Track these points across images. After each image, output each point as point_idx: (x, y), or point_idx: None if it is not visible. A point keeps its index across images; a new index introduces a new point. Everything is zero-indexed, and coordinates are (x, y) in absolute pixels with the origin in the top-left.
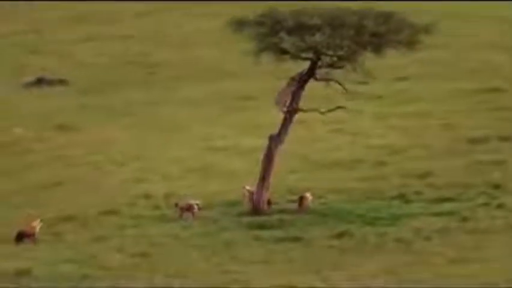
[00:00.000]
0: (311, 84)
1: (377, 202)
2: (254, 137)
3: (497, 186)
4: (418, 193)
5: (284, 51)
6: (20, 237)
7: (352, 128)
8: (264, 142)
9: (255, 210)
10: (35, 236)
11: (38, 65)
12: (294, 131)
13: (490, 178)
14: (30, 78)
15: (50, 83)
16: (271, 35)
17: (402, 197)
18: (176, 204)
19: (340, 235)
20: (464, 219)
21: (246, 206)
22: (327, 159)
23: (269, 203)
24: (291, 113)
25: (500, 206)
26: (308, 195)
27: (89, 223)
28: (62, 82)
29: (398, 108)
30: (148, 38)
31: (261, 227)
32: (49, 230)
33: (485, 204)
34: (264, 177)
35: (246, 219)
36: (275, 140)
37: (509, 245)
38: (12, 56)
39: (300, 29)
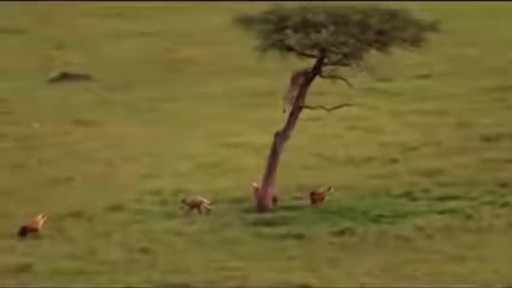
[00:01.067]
0: (325, 81)
1: (383, 199)
2: (269, 134)
3: (504, 185)
4: (425, 191)
5: (290, 49)
6: (24, 232)
7: (368, 125)
8: None
9: (260, 207)
10: (38, 231)
11: (63, 60)
12: (309, 127)
13: (498, 176)
14: (55, 73)
15: (74, 78)
16: (277, 32)
17: (409, 195)
18: (183, 201)
19: (341, 232)
20: (468, 217)
21: (253, 202)
22: (338, 156)
23: (275, 199)
24: (296, 109)
25: (504, 205)
26: (322, 190)
27: (94, 219)
28: (85, 77)
29: (416, 106)
30: (173, 35)
31: (265, 223)
32: (54, 226)
33: (491, 203)
34: (269, 174)
35: (251, 216)
36: (280, 136)
37: (508, 244)
38: (39, 51)
39: (305, 26)
